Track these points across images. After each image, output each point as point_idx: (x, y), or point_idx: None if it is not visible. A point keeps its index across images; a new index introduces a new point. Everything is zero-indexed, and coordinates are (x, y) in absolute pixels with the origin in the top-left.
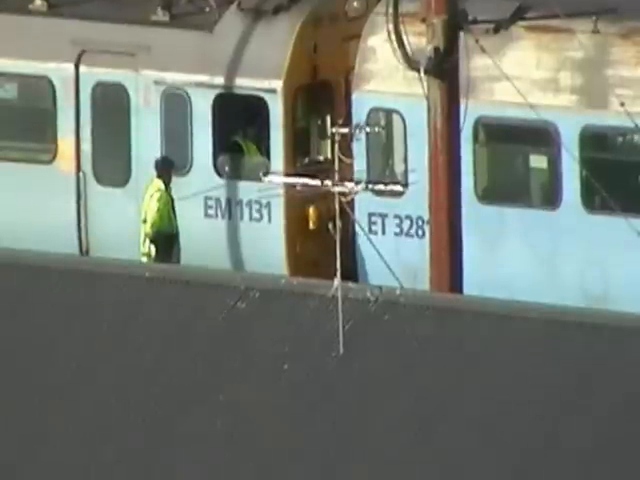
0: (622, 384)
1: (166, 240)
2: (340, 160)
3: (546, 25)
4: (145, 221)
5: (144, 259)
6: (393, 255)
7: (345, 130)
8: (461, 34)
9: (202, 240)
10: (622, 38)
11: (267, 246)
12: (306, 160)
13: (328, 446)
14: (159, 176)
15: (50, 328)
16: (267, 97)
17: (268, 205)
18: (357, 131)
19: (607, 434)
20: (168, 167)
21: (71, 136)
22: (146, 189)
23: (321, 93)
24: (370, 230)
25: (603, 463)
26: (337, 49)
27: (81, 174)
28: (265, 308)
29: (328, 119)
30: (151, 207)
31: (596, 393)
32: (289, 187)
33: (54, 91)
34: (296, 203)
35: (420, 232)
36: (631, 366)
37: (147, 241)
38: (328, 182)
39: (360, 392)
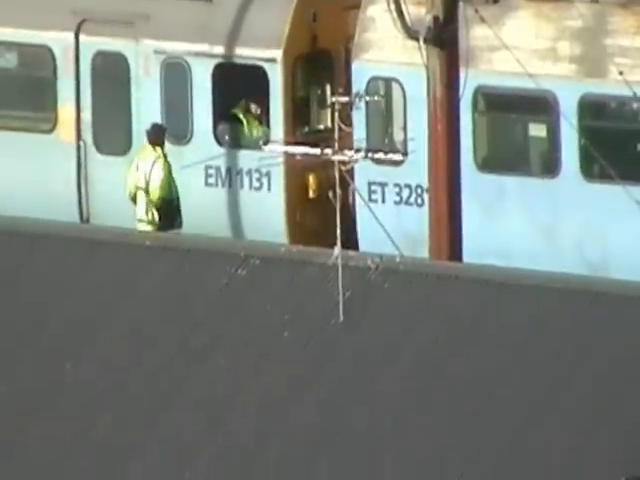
0: (622, 352)
1: (169, 206)
2: (340, 129)
3: None
4: (145, 189)
5: (144, 226)
6: (393, 224)
7: (345, 99)
8: (460, 3)
9: (203, 209)
10: (621, 7)
11: (267, 215)
12: (306, 129)
13: (328, 413)
14: (153, 143)
15: (50, 295)
16: (267, 66)
17: (268, 174)
18: (357, 100)
19: (607, 401)
20: (162, 133)
21: (71, 105)
22: (138, 155)
23: (321, 62)
24: (370, 199)
25: (602, 428)
26: (337, 18)
27: (81, 143)
28: (265, 276)
29: (328, 88)
30: (154, 175)
31: (596, 360)
32: (289, 156)
33: (54, 60)
34: (296, 172)
35: (420, 200)
36: (631, 334)
37: (150, 208)
38: (328, 151)
39: (360, 359)
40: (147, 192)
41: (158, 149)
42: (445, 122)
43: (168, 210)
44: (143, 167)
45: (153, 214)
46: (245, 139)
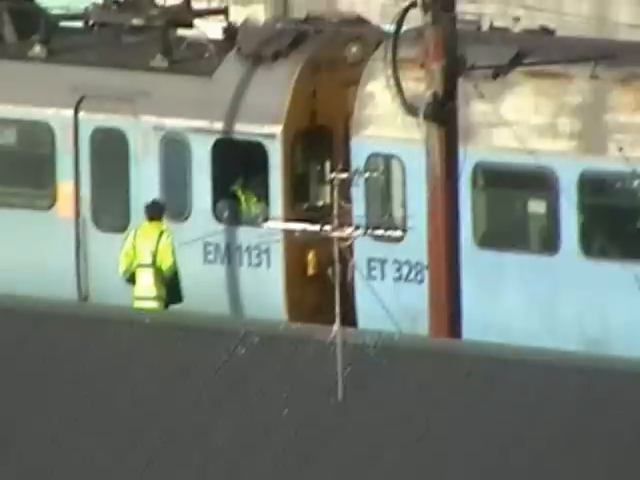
0: (621, 429)
1: (176, 279)
2: (339, 205)
3: (544, 70)
4: (152, 264)
5: (148, 304)
6: (392, 300)
7: (344, 175)
8: (460, 79)
9: (202, 286)
10: (620, 83)
11: (266, 292)
12: (305, 205)
13: None
14: (152, 219)
15: (50, 374)
16: (266, 142)
17: (267, 251)
18: (356, 176)
19: (609, 477)
20: (161, 210)
21: (70, 182)
22: (136, 233)
23: (320, 138)
24: (369, 275)
25: None
26: (336, 94)
27: (80, 220)
28: (264, 353)
29: (327, 164)
30: (165, 248)
31: (595, 438)
32: (288, 232)
33: (53, 137)
34: (295, 248)
35: (419, 277)
36: (630, 411)
37: (158, 284)
38: (327, 227)
39: (359, 438)
40: (155, 267)
41: (161, 223)
42: (445, 198)
43: (174, 284)
44: (144, 244)
45: (162, 289)
46: (244, 216)
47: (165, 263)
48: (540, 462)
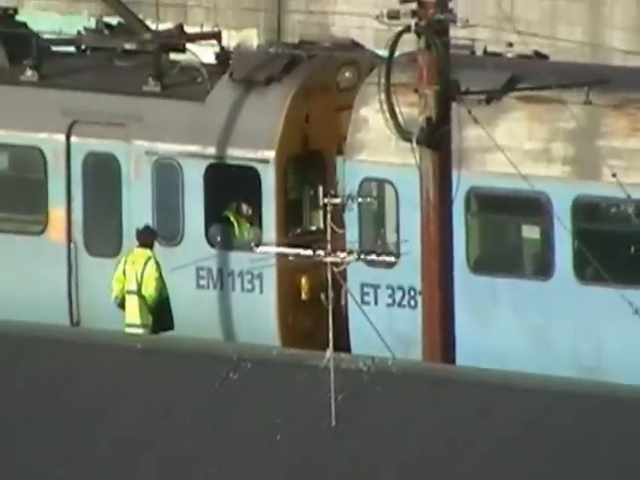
0: (616, 455)
1: (163, 308)
2: (332, 230)
3: (538, 96)
4: (138, 292)
5: (135, 330)
6: (385, 326)
7: (337, 200)
8: (453, 104)
9: (194, 311)
10: (614, 109)
11: (259, 317)
12: (298, 230)
13: None
14: (144, 245)
15: (42, 399)
16: (259, 167)
17: (260, 276)
18: (349, 201)
19: None
20: (153, 236)
21: (62, 207)
22: (127, 259)
23: (313, 163)
24: (362, 300)
25: None
26: (329, 119)
27: (72, 245)
28: (257, 379)
29: (320, 189)
30: (149, 277)
31: (590, 464)
32: (281, 257)
33: (45, 162)
34: (288, 273)
35: (412, 302)
36: (625, 437)
37: (144, 311)
38: (320, 252)
39: (353, 463)
40: (140, 295)
41: (148, 250)
42: (438, 223)
43: (161, 312)
44: (132, 270)
45: (148, 317)
46: (237, 240)
47: (148, 291)
48: None
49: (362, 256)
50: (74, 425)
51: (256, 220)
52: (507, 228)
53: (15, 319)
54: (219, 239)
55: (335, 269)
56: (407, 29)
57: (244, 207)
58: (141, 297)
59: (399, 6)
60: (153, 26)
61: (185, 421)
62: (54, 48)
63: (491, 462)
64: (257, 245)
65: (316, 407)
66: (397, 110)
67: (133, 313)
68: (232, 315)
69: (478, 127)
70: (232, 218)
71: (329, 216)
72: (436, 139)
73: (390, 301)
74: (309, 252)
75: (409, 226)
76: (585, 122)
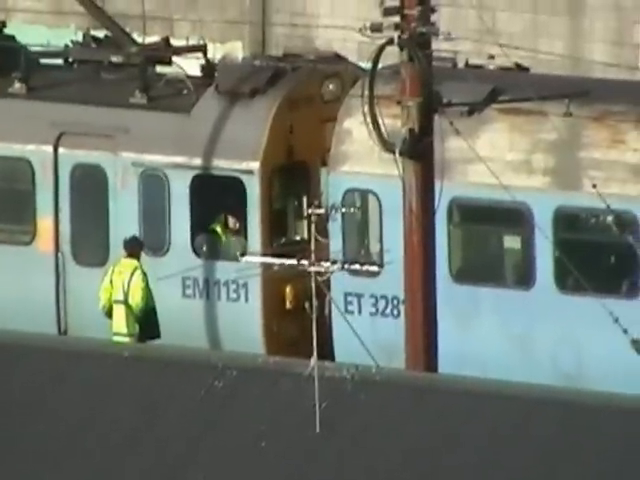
0: (596, 463)
1: (149, 317)
2: (316, 240)
3: (519, 108)
4: (125, 301)
5: (122, 339)
6: (369, 334)
7: (321, 211)
8: (436, 116)
9: (180, 320)
10: (594, 121)
11: (244, 325)
12: (283, 240)
13: None
14: (130, 255)
15: (29, 406)
16: (244, 178)
17: (245, 285)
18: (333, 212)
19: None
20: (140, 246)
21: (50, 217)
22: (113, 270)
23: (297, 174)
24: (346, 310)
25: None
26: (313, 131)
27: (60, 254)
28: (243, 386)
29: (304, 199)
30: (136, 287)
31: (571, 471)
32: (266, 267)
33: (33, 173)
34: (273, 283)
35: (395, 312)
36: (605, 445)
37: (130, 321)
38: (304, 262)
39: (337, 471)
40: (127, 304)
41: (135, 260)
42: (421, 234)
43: (148, 321)
44: (119, 280)
45: (134, 326)
46: (222, 250)
47: (134, 301)
48: None
49: (346, 266)
50: (62, 433)
51: (241, 230)
52: (489, 238)
53: (3, 328)
54: (205, 249)
55: (319, 278)
56: (390, 42)
57: (230, 218)
58: (128, 306)
59: (382, 19)
60: (140, 39)
61: (171, 428)
62: (42, 61)
63: (474, 469)
64: (242, 255)
65: (301, 414)
66: (380, 122)
67: (120, 322)
68: (218, 324)
69: (460, 138)
70: (218, 228)
71: (313, 226)
72: (419, 150)
73: (373, 310)
74: (293, 262)
75: (392, 236)
76: (566, 134)
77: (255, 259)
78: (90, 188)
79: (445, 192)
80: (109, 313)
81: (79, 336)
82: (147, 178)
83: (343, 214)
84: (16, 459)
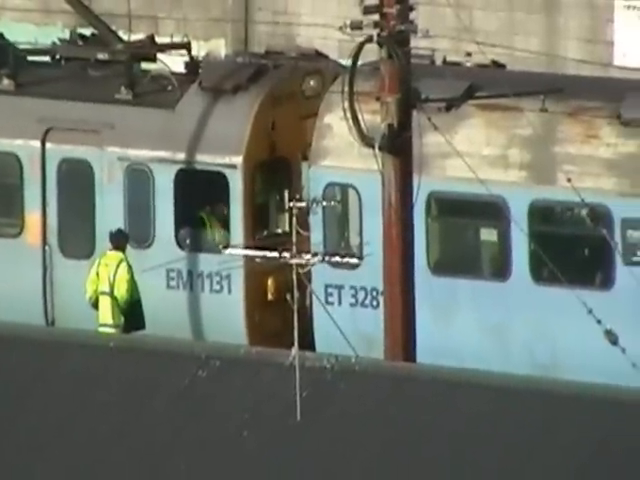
0: (572, 452)
1: (134, 309)
2: (298, 233)
3: (496, 103)
4: (110, 293)
5: (108, 330)
6: (349, 325)
7: (302, 204)
8: (414, 112)
9: (164, 311)
10: (569, 116)
11: (227, 317)
12: (265, 233)
13: None
14: (117, 247)
15: (16, 397)
16: (227, 172)
17: (228, 277)
18: (314, 205)
19: None
20: (125, 239)
21: (37, 210)
22: (99, 262)
23: (279, 168)
24: (327, 301)
25: None
26: (294, 126)
27: (47, 247)
28: (225, 376)
29: (286, 193)
30: (121, 279)
31: (546, 460)
32: (248, 259)
33: (21, 167)
34: (255, 275)
35: (375, 303)
36: (579, 434)
37: (116, 312)
38: (286, 254)
39: (318, 459)
40: (112, 296)
41: (120, 253)
42: (399, 227)
43: (133, 312)
44: (105, 272)
45: (120, 317)
46: (206, 243)
47: (120, 293)
48: None
49: (326, 258)
50: (48, 422)
51: (224, 223)
52: (466, 231)
53: None
54: (188, 242)
55: (300, 270)
56: (369, 39)
57: (213, 211)
58: (113, 298)
59: (362, 17)
60: (125, 37)
61: (156, 417)
62: (30, 58)
63: (451, 458)
64: (225, 247)
65: (282, 403)
66: (360, 117)
67: (106, 313)
68: (201, 315)
69: (438, 134)
70: (201, 221)
71: (294, 219)
72: (397, 145)
73: (353, 301)
74: (275, 254)
75: (371, 229)
76: (541, 129)
77: (238, 252)
78: (77, 182)
79: (423, 186)
80: (95, 304)
81: (66, 327)
82: (132, 172)
83: (324, 208)
84: (3, 449)
